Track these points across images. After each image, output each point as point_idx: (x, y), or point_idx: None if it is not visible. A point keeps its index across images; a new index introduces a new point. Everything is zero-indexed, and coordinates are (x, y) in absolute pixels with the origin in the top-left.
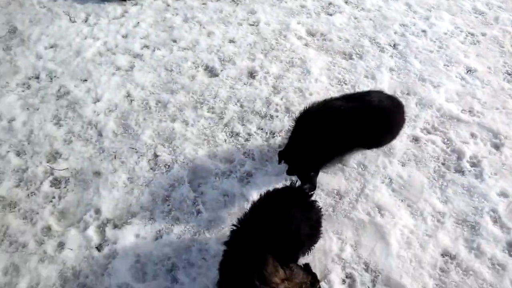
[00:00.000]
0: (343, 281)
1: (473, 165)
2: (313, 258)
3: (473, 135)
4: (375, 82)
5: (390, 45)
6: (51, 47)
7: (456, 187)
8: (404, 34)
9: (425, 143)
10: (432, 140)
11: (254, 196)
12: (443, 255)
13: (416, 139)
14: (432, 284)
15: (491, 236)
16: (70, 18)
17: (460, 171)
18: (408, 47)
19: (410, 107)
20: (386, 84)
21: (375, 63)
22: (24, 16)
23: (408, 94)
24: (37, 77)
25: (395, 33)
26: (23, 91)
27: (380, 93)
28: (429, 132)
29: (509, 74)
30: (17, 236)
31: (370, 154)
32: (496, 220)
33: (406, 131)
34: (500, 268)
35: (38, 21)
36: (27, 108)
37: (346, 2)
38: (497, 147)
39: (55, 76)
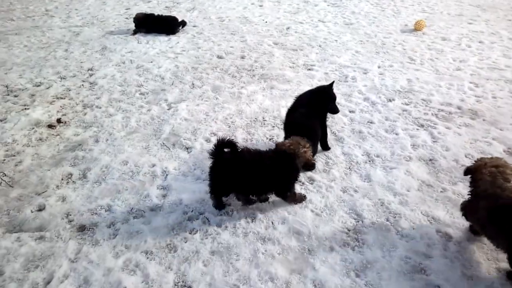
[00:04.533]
0: None
1: (352, 78)
2: None
3: (354, 70)
4: (308, 56)
5: (318, 46)
6: (129, 52)
7: (343, 87)
8: (325, 42)
9: (331, 73)
10: (334, 73)
11: None
12: None
13: (326, 73)
14: None
15: (357, 87)
16: (138, 41)
17: (345, 81)
18: (327, 46)
19: (325, 64)
20: (314, 56)
21: (308, 51)
22: (110, 41)
23: (324, 60)
24: (123, 62)
25: (321, 41)
26: (117, 66)
27: None
28: (332, 71)
29: (381, 51)
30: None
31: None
32: (361, 92)
33: (323, 69)
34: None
35: (119, 43)
36: (120, 72)
37: (295, 32)
38: (365, 74)
39: (133, 61)
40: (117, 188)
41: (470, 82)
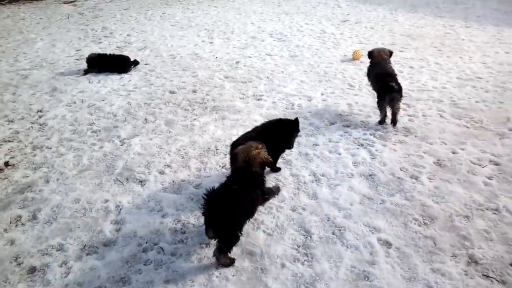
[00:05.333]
0: None
1: (298, 105)
2: None
3: (300, 98)
4: (256, 88)
5: (266, 77)
6: (80, 92)
7: (290, 114)
8: (272, 73)
9: (279, 102)
10: (282, 102)
11: None
12: None
13: (274, 102)
14: None
15: (302, 113)
16: (89, 81)
17: (292, 108)
18: (274, 77)
19: (273, 94)
20: (262, 87)
21: (257, 83)
22: (60, 82)
23: (272, 90)
24: (74, 102)
25: (268, 73)
26: (68, 106)
27: None
28: (280, 100)
29: (325, 72)
30: None
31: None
32: (307, 118)
33: (271, 99)
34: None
35: (70, 84)
36: (71, 111)
37: (244, 65)
38: (309, 101)
39: (84, 101)
40: (69, 226)
41: (403, 103)
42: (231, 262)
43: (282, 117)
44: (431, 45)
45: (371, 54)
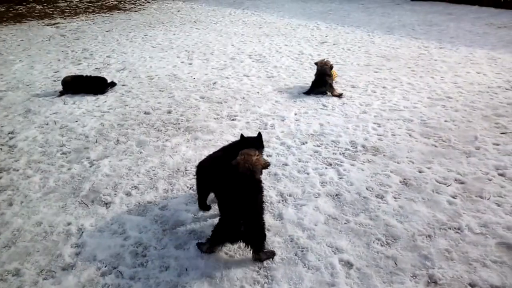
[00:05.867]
0: None
1: (271, 126)
2: None
3: (273, 118)
4: (231, 108)
5: (241, 98)
6: (53, 113)
7: (263, 134)
8: (248, 94)
9: (252, 122)
10: (255, 122)
11: None
12: None
13: (247, 123)
14: None
15: (275, 133)
16: (64, 102)
17: (265, 128)
18: (249, 97)
19: (247, 114)
20: (237, 107)
21: (232, 103)
22: (34, 104)
23: (247, 111)
24: (47, 124)
25: (244, 94)
26: (40, 128)
27: None
28: (254, 120)
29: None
30: None
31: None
32: (279, 138)
33: (245, 119)
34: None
35: (44, 106)
36: (43, 133)
37: (221, 86)
38: (282, 121)
39: (57, 122)
40: (27, 250)
41: (374, 123)
42: (273, 253)
43: (245, 135)
44: (405, 65)
45: (316, 64)
